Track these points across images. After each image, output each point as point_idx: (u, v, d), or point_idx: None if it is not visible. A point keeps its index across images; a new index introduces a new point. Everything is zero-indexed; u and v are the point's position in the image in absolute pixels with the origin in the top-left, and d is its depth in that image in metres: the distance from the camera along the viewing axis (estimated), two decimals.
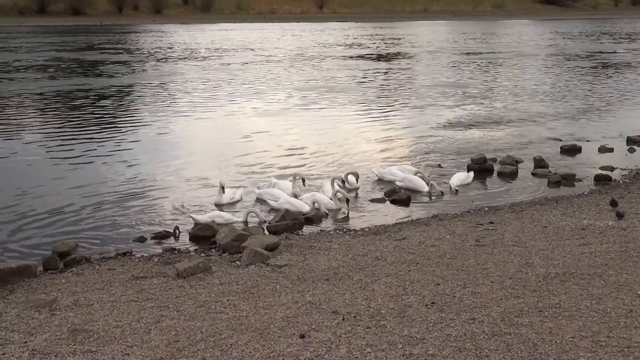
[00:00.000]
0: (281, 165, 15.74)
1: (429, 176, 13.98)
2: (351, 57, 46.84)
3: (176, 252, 10.04)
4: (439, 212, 12.11)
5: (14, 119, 22.10)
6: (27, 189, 13.66)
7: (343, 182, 13.51)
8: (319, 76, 35.25)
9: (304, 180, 13.37)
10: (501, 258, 8.86)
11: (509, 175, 14.69)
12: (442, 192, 13.29)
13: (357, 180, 13.76)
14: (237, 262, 9.17)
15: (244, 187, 13.75)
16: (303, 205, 12.07)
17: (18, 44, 59.10)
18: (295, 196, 12.62)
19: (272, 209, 12.31)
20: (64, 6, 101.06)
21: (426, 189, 13.45)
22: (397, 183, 13.71)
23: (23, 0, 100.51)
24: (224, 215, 11.65)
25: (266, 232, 10.93)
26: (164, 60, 44.31)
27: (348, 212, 12.13)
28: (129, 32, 75.66)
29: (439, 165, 15.05)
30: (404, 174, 13.99)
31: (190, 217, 11.61)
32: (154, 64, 41.99)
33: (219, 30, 75.28)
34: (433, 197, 13.25)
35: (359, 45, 58.41)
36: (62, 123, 21.51)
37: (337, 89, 29.76)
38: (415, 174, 14.06)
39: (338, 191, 12.35)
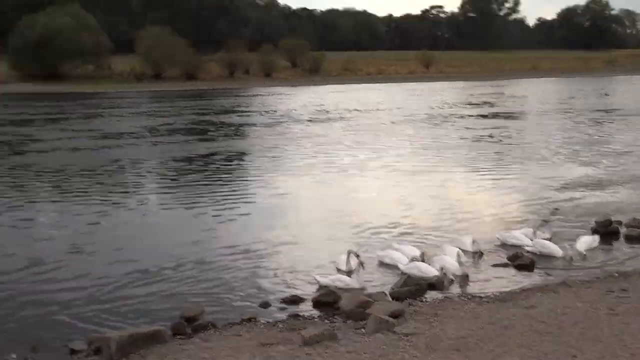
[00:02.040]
0: (399, 226, 15.49)
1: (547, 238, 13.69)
2: (481, 116, 45.00)
3: (300, 318, 10.04)
4: (566, 278, 11.69)
5: (154, 178, 22.88)
6: (149, 247, 14.00)
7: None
8: (451, 135, 34.16)
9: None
10: (638, 328, 8.46)
11: (638, 239, 14.09)
12: (572, 257, 12.80)
13: (479, 249, 13.36)
14: (362, 330, 9.08)
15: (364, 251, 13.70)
16: (431, 270, 11.82)
17: (151, 108, 59.48)
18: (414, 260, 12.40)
19: (397, 274, 12.11)
20: (179, 72, 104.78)
21: (560, 253, 12.92)
22: (527, 248, 13.29)
23: (140, 67, 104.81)
24: (345, 279, 11.60)
25: (389, 297, 10.82)
26: (303, 121, 43.18)
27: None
28: (250, 95, 76.02)
29: (555, 209, 14.92)
30: (531, 239, 13.61)
31: (315, 278, 11.65)
32: (295, 125, 40.71)
33: (338, 92, 74.97)
34: (569, 262, 12.66)
35: (490, 105, 56.24)
36: (196, 181, 21.95)
37: (461, 148, 29.19)
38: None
39: (459, 260, 12.04)
